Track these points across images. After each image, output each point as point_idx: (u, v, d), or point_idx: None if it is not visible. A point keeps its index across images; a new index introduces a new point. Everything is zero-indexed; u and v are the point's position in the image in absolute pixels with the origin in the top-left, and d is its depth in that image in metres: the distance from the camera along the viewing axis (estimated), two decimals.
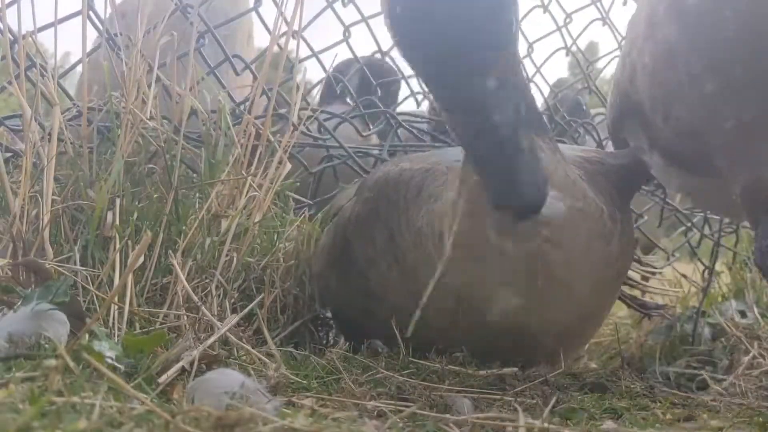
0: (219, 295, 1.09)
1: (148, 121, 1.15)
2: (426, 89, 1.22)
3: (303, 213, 1.37)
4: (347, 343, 1.24)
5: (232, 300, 1.11)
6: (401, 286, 1.04)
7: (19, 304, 0.83)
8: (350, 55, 1.74)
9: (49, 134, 1.08)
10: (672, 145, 1.01)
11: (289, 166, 1.26)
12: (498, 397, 0.92)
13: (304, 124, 1.40)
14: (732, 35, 0.86)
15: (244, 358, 0.93)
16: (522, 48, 1.83)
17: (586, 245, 0.95)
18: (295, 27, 1.33)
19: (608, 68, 2.22)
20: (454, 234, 0.92)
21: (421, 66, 0.85)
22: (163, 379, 0.79)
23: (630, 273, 1.32)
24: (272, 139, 1.29)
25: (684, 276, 1.87)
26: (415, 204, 1.03)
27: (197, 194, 1.18)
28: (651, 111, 1.00)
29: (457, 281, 0.96)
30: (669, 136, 1.00)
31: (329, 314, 1.29)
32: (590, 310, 1.06)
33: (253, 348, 0.95)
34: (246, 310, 1.07)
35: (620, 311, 1.80)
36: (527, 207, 0.84)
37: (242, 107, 1.41)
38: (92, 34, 1.28)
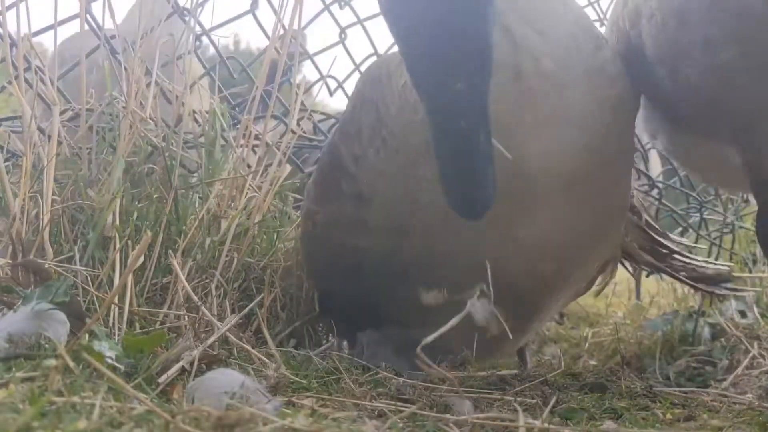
0: (219, 295, 1.09)
1: (149, 120, 1.15)
2: None
3: None
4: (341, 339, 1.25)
5: (232, 300, 1.11)
6: (393, 171, 1.01)
7: (19, 304, 0.83)
8: (347, 57, 1.74)
9: (49, 135, 1.09)
10: (673, 96, 0.99)
11: (288, 168, 1.27)
12: (498, 397, 0.92)
13: (299, 125, 1.40)
14: (760, 4, 0.83)
15: (244, 358, 0.93)
16: None
17: (572, 37, 0.92)
18: (294, 30, 1.34)
19: None
20: None
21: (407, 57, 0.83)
22: (163, 379, 0.79)
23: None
24: (270, 143, 1.29)
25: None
26: (398, 70, 1.01)
27: (197, 194, 1.18)
28: (657, 62, 0.96)
29: None
30: (671, 89, 0.97)
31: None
32: (596, 141, 0.95)
33: (253, 348, 0.95)
34: (246, 310, 1.07)
35: (620, 311, 1.80)
36: (474, 214, 0.82)
37: (237, 109, 1.41)
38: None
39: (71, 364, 0.71)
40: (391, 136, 1.00)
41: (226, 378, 0.78)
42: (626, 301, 1.77)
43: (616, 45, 1.06)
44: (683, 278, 1.32)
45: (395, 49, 1.49)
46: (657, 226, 1.32)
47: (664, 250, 1.29)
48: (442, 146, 0.79)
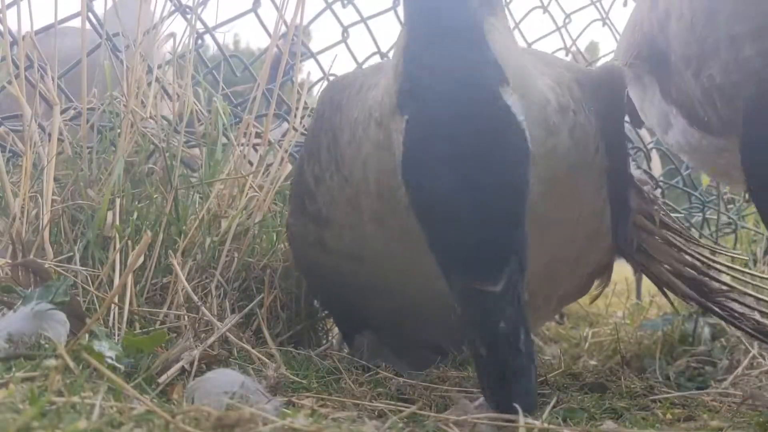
0: (219, 295, 1.09)
1: (150, 119, 1.15)
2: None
3: None
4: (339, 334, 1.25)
5: (232, 300, 1.11)
6: (343, 198, 0.98)
7: (19, 304, 0.83)
8: (349, 56, 1.74)
9: (49, 134, 1.09)
10: (697, 99, 0.99)
11: (289, 167, 1.27)
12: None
13: (302, 123, 1.40)
14: None
15: (244, 358, 0.93)
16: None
17: None
18: (296, 28, 1.34)
19: None
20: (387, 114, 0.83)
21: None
22: (163, 379, 0.79)
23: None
24: (272, 141, 1.29)
25: None
26: (356, 99, 0.97)
27: (197, 194, 1.18)
28: (683, 62, 0.97)
29: (382, 167, 0.88)
30: (696, 92, 0.98)
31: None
32: (545, 217, 0.90)
33: (253, 348, 0.95)
34: (246, 310, 1.07)
35: (620, 311, 1.80)
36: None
37: (239, 108, 1.41)
38: None
39: (71, 364, 0.71)
40: (343, 162, 0.98)
41: (226, 378, 0.78)
42: (626, 301, 1.76)
43: (636, 45, 1.06)
44: (738, 326, 1.07)
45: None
46: (694, 249, 1.09)
47: (713, 284, 1.08)
48: (481, 348, 0.73)
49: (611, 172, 1.02)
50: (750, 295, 1.10)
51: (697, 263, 1.09)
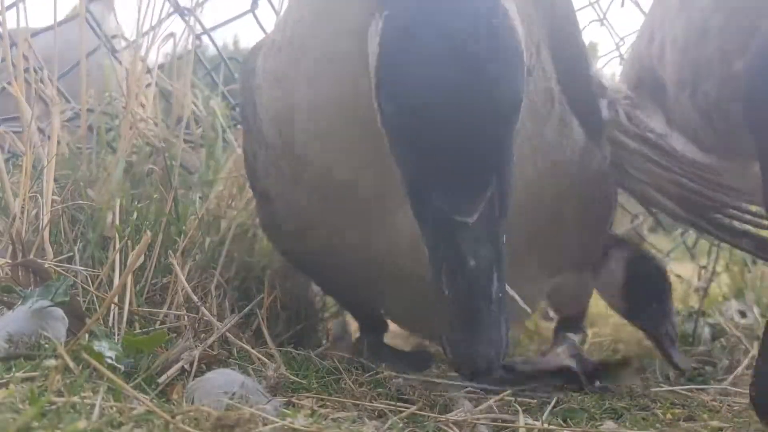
0: (219, 296, 1.09)
1: (149, 119, 1.15)
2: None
3: None
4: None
5: (232, 300, 1.11)
6: (270, 164, 0.91)
7: (18, 304, 0.83)
8: None
9: (49, 135, 1.09)
10: (695, 122, 0.99)
11: None
12: (498, 397, 0.92)
13: None
14: None
15: (244, 358, 0.93)
16: None
17: None
18: None
19: (607, 69, 2.22)
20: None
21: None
22: (163, 379, 0.79)
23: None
24: None
25: (678, 276, 1.87)
26: (265, 57, 0.88)
27: (197, 194, 1.19)
28: (678, 87, 0.98)
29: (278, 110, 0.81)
30: (693, 114, 0.98)
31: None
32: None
33: (252, 348, 0.95)
34: (246, 310, 1.07)
35: None
36: (478, 372, 0.67)
37: (237, 109, 1.42)
38: None
39: (71, 364, 0.71)
40: (265, 126, 0.89)
41: (226, 378, 0.78)
42: None
43: (637, 76, 1.08)
44: (736, 244, 0.98)
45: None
46: (678, 164, 0.99)
47: (704, 200, 0.97)
48: (445, 288, 0.63)
49: (565, 81, 0.90)
50: (749, 212, 0.99)
51: (683, 180, 0.99)
